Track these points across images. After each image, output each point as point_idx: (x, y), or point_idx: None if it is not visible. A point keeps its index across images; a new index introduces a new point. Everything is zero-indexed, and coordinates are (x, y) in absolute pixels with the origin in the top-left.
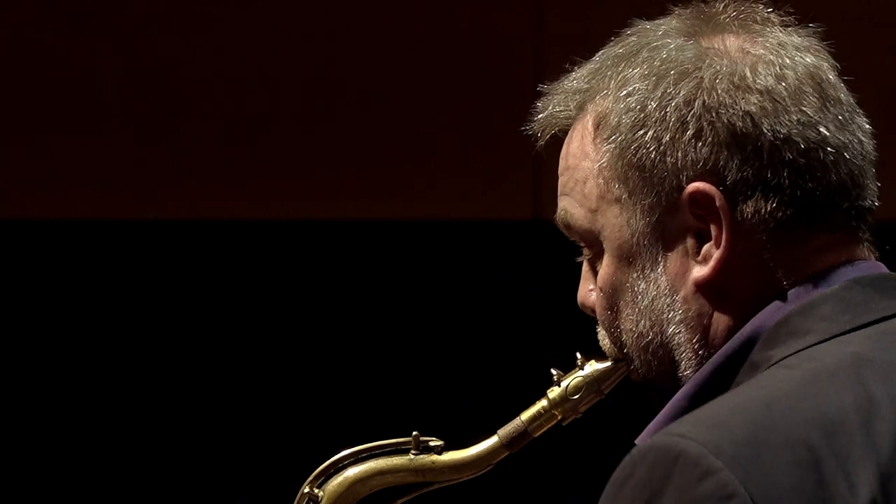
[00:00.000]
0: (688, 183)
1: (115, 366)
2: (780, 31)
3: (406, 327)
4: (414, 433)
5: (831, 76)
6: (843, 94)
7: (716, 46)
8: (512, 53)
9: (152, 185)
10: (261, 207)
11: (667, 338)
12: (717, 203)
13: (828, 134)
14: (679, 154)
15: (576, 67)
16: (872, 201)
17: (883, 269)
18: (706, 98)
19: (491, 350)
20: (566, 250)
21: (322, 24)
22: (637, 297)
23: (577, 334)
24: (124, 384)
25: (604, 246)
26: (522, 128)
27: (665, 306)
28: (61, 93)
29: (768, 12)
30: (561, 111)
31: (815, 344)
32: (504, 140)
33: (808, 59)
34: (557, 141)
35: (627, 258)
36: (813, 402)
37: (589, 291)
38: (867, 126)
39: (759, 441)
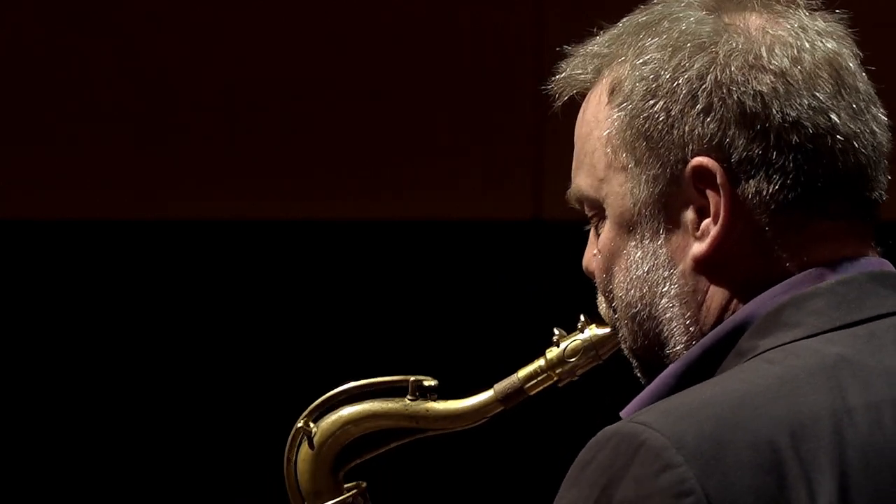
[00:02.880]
0: (693, 157)
1: (115, 365)
2: (804, 15)
3: (406, 327)
4: (411, 379)
5: (851, 64)
6: (862, 83)
7: (736, 23)
8: (512, 53)
9: (152, 185)
10: (261, 207)
11: (657, 311)
12: (719, 180)
13: (838, 121)
14: (686, 127)
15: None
16: (881, 194)
17: (888, 266)
18: (719, 74)
19: (491, 350)
20: (566, 250)
21: (322, 23)
22: (631, 266)
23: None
24: (124, 384)
25: (607, 213)
26: (543, 90)
27: (661, 279)
28: (61, 93)
29: None
30: (580, 74)
31: (803, 338)
32: (504, 140)
33: (828, 45)
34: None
35: (628, 226)
36: (786, 403)
37: (593, 255)
38: (884, 118)
39: (723, 438)
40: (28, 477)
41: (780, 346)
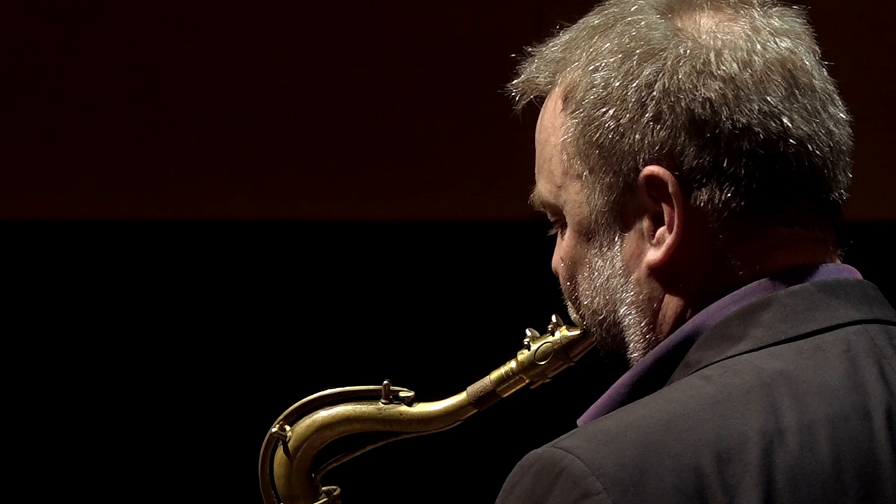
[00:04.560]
0: (644, 165)
1: (115, 365)
2: (758, 13)
3: (406, 328)
4: (385, 382)
5: (807, 62)
6: (819, 81)
7: (687, 27)
8: (512, 54)
9: (152, 185)
10: (261, 207)
11: (618, 317)
12: (671, 188)
13: (791, 125)
14: (637, 136)
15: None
16: (841, 193)
17: (846, 272)
18: (667, 82)
19: (491, 350)
20: None
21: (323, 24)
22: (594, 274)
23: None
24: (124, 384)
25: (567, 220)
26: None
27: (619, 286)
28: (61, 93)
29: None
30: (536, 78)
31: (746, 352)
32: (504, 140)
33: (782, 45)
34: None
35: (586, 234)
36: (714, 425)
37: (560, 259)
38: (843, 115)
39: (646, 464)
40: (28, 477)
41: (721, 360)
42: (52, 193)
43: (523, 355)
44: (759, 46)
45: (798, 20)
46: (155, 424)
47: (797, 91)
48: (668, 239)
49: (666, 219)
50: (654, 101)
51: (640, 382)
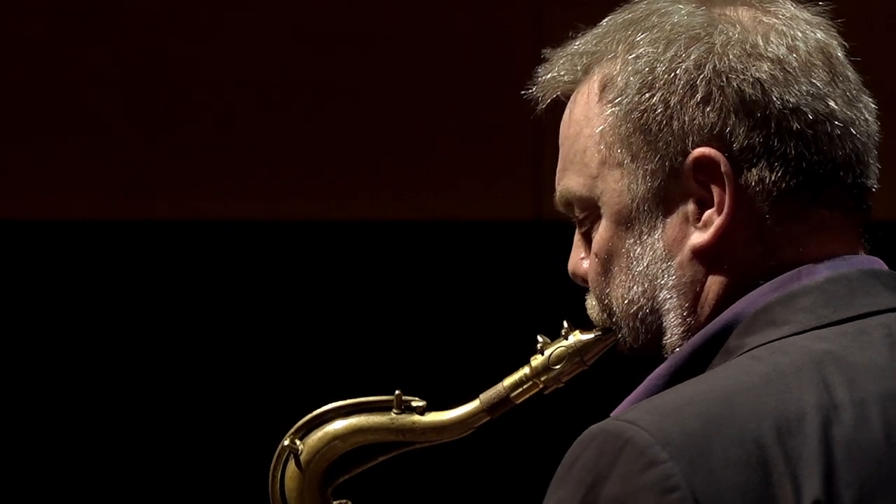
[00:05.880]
0: (693, 148)
1: (114, 366)
2: (792, 6)
3: (406, 328)
4: (396, 392)
5: (840, 54)
6: (851, 72)
7: (728, 14)
8: (512, 54)
9: (152, 185)
10: (260, 208)
11: (657, 304)
12: (722, 168)
13: (836, 108)
14: (686, 118)
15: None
16: (873, 181)
17: (877, 263)
18: (717, 63)
19: (491, 351)
20: (567, 250)
21: (323, 24)
22: (632, 263)
23: None
24: (124, 384)
25: (601, 211)
26: (523, 95)
27: (660, 271)
28: (61, 93)
29: None
30: (565, 74)
31: (791, 335)
32: (504, 140)
33: (818, 35)
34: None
35: (626, 223)
36: (773, 399)
37: (580, 259)
38: (873, 106)
39: (709, 435)
40: (28, 477)
41: (767, 343)
42: (52, 193)
43: (537, 360)
44: (799, 33)
45: (823, 17)
46: (158, 432)
47: (837, 78)
48: (718, 221)
49: (715, 200)
50: (704, 82)
51: (678, 372)
